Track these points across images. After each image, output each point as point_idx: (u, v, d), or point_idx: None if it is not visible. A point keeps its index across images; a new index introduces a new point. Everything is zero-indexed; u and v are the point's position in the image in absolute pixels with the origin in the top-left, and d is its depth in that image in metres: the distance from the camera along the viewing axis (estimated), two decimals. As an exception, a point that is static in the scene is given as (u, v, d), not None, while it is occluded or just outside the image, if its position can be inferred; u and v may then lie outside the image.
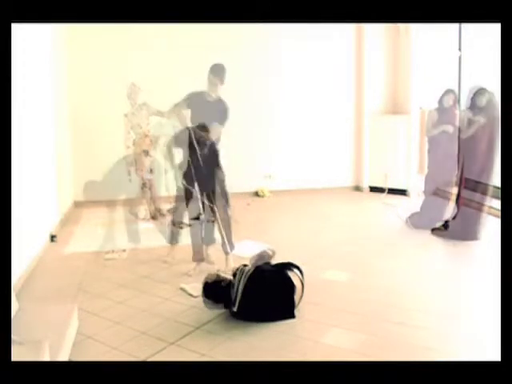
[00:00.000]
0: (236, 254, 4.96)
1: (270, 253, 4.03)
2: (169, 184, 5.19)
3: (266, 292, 3.60)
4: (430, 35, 7.62)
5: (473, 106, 5.41)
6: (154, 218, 6.63)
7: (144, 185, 6.63)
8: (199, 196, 4.57)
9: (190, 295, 4.01)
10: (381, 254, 5.07)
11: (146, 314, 3.72)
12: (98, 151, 7.33)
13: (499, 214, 5.55)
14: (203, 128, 4.46)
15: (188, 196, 4.62)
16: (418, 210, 6.10)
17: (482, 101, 5.36)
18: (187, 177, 4.57)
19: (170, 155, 4.70)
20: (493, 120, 5.36)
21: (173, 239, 4.95)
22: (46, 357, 2.46)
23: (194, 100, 4.70)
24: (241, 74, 7.79)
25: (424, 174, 6.46)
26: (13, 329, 2.59)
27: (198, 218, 6.72)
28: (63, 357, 2.82)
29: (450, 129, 5.78)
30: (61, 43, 6.98)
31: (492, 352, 3.00)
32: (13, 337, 2.43)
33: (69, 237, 5.88)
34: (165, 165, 4.95)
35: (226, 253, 4.70)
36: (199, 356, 3.07)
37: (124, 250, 5.22)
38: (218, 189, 4.63)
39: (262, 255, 3.98)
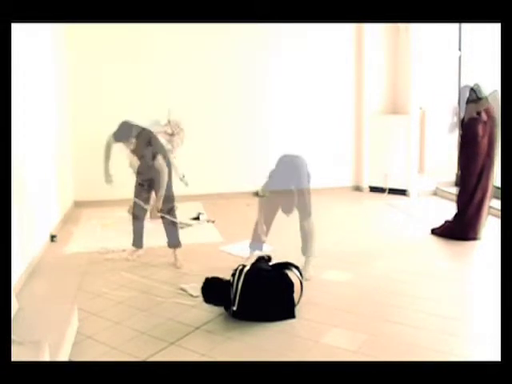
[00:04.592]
0: (236, 254, 4.97)
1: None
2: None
3: (265, 291, 3.60)
4: (430, 35, 7.60)
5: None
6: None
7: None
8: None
9: (190, 295, 4.01)
10: (381, 254, 5.07)
11: (145, 314, 3.72)
12: (98, 151, 7.31)
13: (499, 213, 5.55)
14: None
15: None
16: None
17: (478, 93, 5.34)
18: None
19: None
20: (493, 119, 5.36)
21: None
22: (45, 357, 2.47)
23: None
24: (241, 74, 7.80)
25: (424, 173, 6.39)
26: (13, 329, 2.59)
27: (197, 218, 6.71)
28: (63, 357, 2.83)
29: None
30: (61, 43, 6.98)
31: (492, 352, 3.01)
32: (13, 337, 2.43)
33: (69, 237, 5.87)
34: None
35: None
36: (199, 356, 3.08)
37: (124, 250, 5.22)
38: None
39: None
